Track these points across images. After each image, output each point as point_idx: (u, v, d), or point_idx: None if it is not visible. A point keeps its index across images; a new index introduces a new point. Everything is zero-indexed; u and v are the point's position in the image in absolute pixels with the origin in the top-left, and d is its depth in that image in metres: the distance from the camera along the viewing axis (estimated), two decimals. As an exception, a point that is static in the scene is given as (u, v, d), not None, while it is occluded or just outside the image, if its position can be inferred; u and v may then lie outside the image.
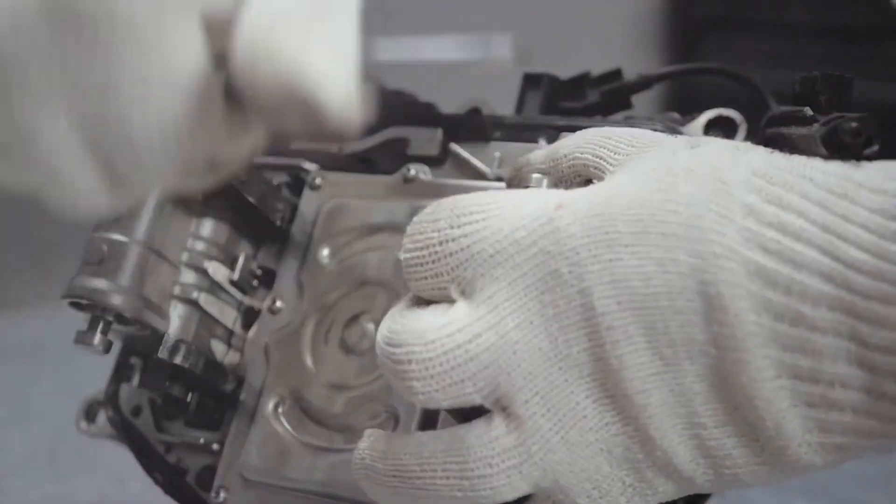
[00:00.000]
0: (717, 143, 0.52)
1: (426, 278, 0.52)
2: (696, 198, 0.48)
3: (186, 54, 0.44)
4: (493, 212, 0.52)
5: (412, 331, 0.50)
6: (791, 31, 1.63)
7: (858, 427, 0.47)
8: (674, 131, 0.65)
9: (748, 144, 0.52)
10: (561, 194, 0.52)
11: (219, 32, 0.44)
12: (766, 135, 0.61)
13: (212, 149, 0.47)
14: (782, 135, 0.59)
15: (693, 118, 0.68)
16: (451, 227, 0.52)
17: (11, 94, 0.44)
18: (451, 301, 0.51)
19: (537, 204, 0.51)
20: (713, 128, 0.67)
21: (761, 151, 0.50)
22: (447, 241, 0.51)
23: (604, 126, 0.59)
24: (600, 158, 0.55)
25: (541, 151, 0.59)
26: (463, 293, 0.51)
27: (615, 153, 0.54)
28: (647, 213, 0.48)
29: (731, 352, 0.46)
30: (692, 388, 0.47)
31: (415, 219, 0.54)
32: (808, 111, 0.59)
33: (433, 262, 0.52)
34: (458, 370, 0.49)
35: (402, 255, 0.53)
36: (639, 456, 0.49)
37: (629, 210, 0.48)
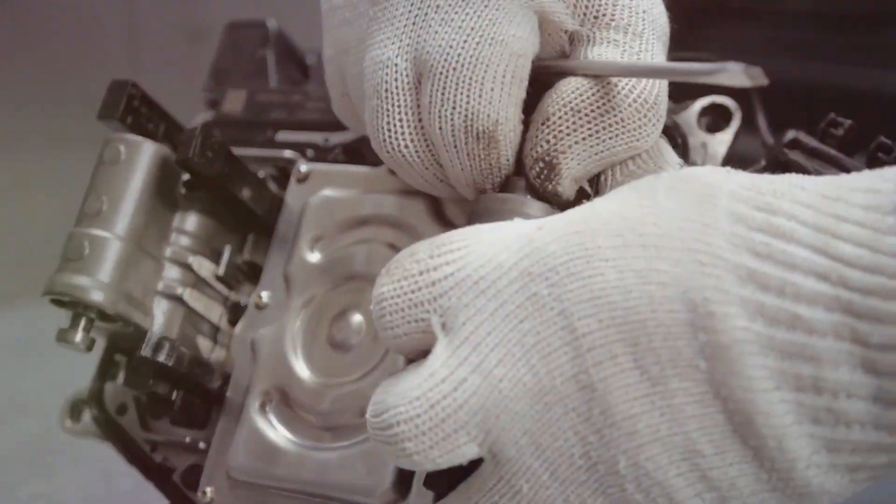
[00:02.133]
0: (706, 166, 0.50)
1: (403, 310, 0.50)
2: (679, 210, 0.46)
3: (522, 31, 0.55)
4: (474, 240, 0.50)
5: (393, 393, 0.49)
6: (789, 20, 1.61)
7: (868, 443, 0.44)
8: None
9: (738, 171, 0.50)
10: (544, 218, 0.51)
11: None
12: (786, 157, 0.60)
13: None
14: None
15: (686, 106, 0.66)
16: (432, 257, 0.50)
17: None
18: (427, 345, 0.50)
19: (519, 229, 0.50)
20: (707, 115, 0.66)
21: (745, 176, 0.48)
22: (428, 270, 0.50)
23: None
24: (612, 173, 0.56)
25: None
26: (444, 326, 0.49)
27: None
28: (628, 227, 0.47)
29: (722, 362, 0.44)
30: (684, 410, 0.45)
31: (387, 264, 0.52)
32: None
33: (413, 291, 0.50)
34: (448, 422, 0.47)
35: (375, 293, 0.51)
36: (636, 497, 0.47)
37: (609, 225, 0.47)
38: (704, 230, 0.45)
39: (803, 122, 0.64)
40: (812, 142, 0.61)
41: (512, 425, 0.47)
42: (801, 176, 0.47)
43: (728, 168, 0.50)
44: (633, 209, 0.47)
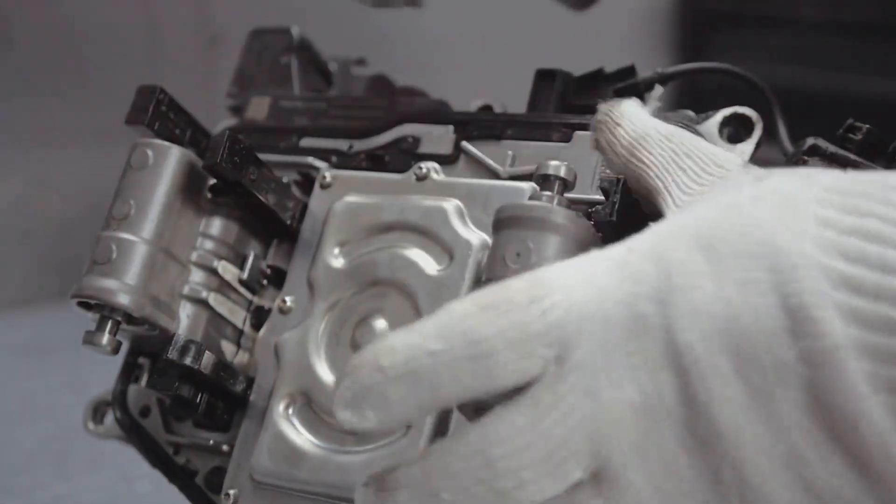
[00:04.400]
0: (784, 172, 0.50)
1: (516, 345, 0.46)
2: (768, 219, 0.46)
3: None
4: (568, 272, 0.49)
5: (502, 429, 0.47)
6: (802, 28, 1.62)
7: None
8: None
9: (819, 169, 0.50)
10: (627, 241, 0.49)
11: None
12: (806, 165, 0.61)
13: None
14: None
15: (708, 116, 0.67)
16: (533, 287, 0.48)
17: None
18: (529, 379, 0.47)
19: (608, 255, 0.49)
20: (729, 125, 0.66)
21: (834, 172, 0.48)
22: (534, 301, 0.47)
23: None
24: (675, 184, 0.54)
25: (626, 133, 0.57)
26: (558, 359, 0.47)
27: (689, 180, 0.53)
28: (719, 238, 0.46)
29: (823, 366, 0.43)
30: (788, 416, 0.44)
31: (464, 299, 0.48)
32: None
33: (525, 324, 0.47)
34: (560, 450, 0.46)
35: (476, 333, 0.47)
36: None
37: (701, 239, 0.47)
38: (796, 237, 0.45)
39: (819, 130, 0.64)
40: (831, 147, 0.61)
41: (619, 445, 0.46)
42: (891, 176, 0.47)
43: (808, 171, 0.49)
44: (720, 221, 0.47)
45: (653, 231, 0.50)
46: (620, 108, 0.59)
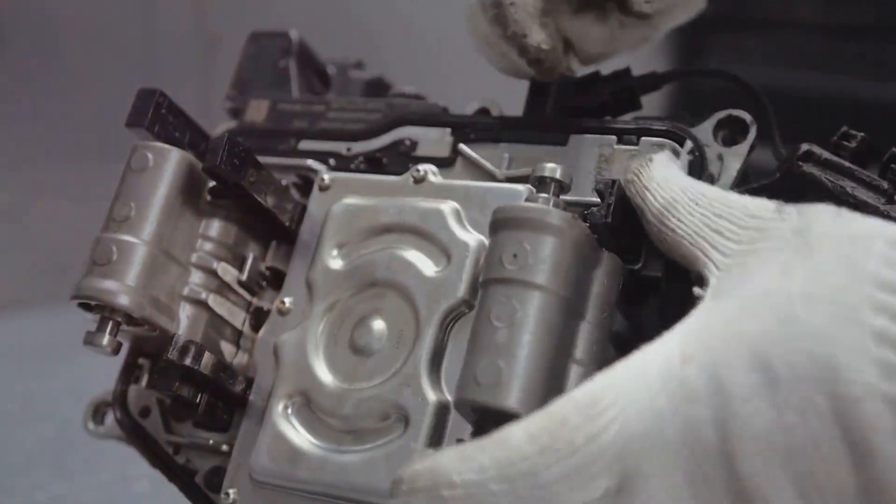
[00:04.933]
0: (830, 243, 0.49)
1: (583, 488, 0.47)
2: (823, 330, 0.45)
3: None
4: (621, 389, 0.48)
5: None
6: (798, 30, 1.62)
7: None
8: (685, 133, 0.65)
9: (867, 235, 0.48)
10: (678, 342, 0.49)
11: None
12: (800, 170, 0.61)
13: None
14: (837, 187, 0.60)
15: (703, 118, 0.67)
16: (590, 420, 0.48)
17: None
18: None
19: (660, 363, 0.48)
20: (723, 128, 0.67)
21: (881, 248, 0.47)
22: (593, 437, 0.47)
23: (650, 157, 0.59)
24: (713, 248, 0.54)
25: (655, 200, 0.57)
26: (618, 487, 0.47)
27: (727, 240, 0.53)
28: (775, 353, 0.46)
29: (885, 493, 0.44)
30: None
31: (516, 430, 0.48)
32: (884, 184, 0.59)
33: (587, 464, 0.47)
34: None
35: (538, 478, 0.47)
36: None
37: (756, 355, 0.46)
38: (854, 356, 0.45)
39: (810, 132, 0.65)
40: (825, 153, 0.62)
41: None
42: None
43: (854, 240, 0.48)
44: (772, 326, 0.47)
45: (705, 330, 0.49)
46: (650, 170, 0.59)
